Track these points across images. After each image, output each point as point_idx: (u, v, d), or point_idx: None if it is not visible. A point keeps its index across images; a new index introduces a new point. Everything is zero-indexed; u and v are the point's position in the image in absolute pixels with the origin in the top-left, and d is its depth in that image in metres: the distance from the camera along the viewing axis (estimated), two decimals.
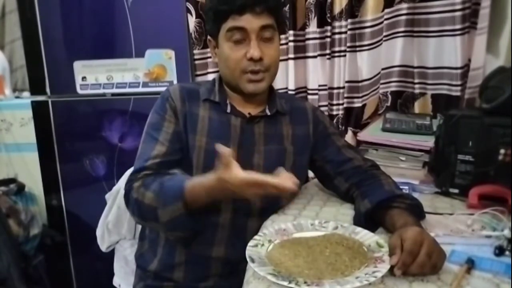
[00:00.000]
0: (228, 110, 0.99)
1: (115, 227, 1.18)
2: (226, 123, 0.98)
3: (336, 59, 1.49)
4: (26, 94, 1.99)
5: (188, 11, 1.56)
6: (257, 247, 0.76)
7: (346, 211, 0.97)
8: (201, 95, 1.01)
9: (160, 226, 0.91)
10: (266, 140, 1.00)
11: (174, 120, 0.97)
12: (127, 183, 0.93)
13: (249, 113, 1.00)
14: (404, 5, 1.40)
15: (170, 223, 0.87)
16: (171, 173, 0.93)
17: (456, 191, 1.04)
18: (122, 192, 1.15)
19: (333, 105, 1.54)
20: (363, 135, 1.31)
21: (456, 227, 0.85)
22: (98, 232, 1.21)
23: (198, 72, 1.62)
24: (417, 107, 1.49)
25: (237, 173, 0.77)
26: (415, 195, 0.99)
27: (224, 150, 0.77)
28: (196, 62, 1.61)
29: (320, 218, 0.92)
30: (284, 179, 0.76)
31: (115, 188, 1.19)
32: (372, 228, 0.84)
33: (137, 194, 0.90)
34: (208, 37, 1.03)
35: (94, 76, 1.68)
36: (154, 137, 0.96)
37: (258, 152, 0.98)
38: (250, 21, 0.92)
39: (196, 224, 0.90)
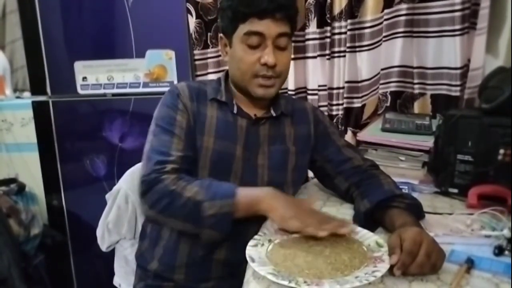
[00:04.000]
0: (235, 111, 0.99)
1: (115, 227, 1.18)
2: (233, 124, 0.98)
3: (335, 59, 1.49)
4: (27, 94, 1.99)
5: (189, 11, 1.56)
6: (257, 247, 0.76)
7: (346, 211, 0.98)
8: (208, 94, 1.00)
9: (194, 222, 0.85)
10: (271, 141, 1.00)
11: (187, 116, 0.95)
12: (151, 173, 0.87)
13: (254, 115, 1.00)
14: (404, 6, 1.41)
15: (212, 218, 0.83)
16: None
17: (455, 191, 1.04)
18: (123, 192, 1.16)
19: (332, 105, 1.54)
20: (363, 135, 1.32)
21: (456, 227, 0.85)
22: (98, 232, 1.21)
23: (198, 73, 1.62)
24: (416, 107, 1.49)
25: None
26: (415, 195, 0.99)
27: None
28: (197, 62, 1.61)
29: None
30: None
31: (115, 188, 1.19)
32: (372, 227, 0.84)
33: (175, 186, 0.85)
34: (220, 34, 1.00)
35: (94, 76, 1.68)
36: (170, 130, 0.93)
37: (262, 153, 0.99)
38: (269, 27, 0.91)
39: (231, 229, 0.86)
